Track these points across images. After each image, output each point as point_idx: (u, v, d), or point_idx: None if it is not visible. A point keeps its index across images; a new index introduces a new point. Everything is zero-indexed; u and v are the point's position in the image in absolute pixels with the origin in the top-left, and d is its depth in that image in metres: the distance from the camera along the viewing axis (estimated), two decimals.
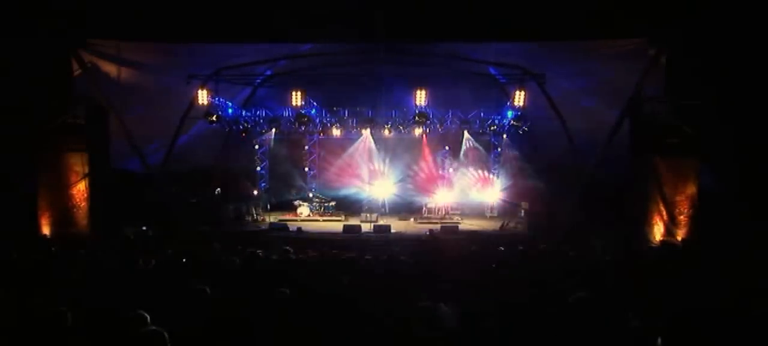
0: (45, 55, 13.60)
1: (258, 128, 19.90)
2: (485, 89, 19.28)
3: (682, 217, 13.71)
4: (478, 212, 20.12)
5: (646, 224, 13.97)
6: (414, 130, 19.19)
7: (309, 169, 22.02)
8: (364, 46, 15.78)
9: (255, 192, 21.11)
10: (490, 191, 20.48)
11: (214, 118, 17.19)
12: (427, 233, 16.09)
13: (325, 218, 19.29)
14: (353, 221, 18.14)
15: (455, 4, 13.24)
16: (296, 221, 18.53)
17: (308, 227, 17.59)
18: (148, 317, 4.81)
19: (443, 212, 19.32)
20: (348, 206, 20.27)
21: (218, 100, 17.37)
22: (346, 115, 18.88)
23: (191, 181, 19.03)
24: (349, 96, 18.96)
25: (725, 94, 13.24)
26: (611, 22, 12.96)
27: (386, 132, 19.25)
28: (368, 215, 18.74)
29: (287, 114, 18.49)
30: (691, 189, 13.75)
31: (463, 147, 21.01)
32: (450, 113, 18.37)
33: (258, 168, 21.92)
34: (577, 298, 7.42)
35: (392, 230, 16.66)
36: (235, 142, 20.76)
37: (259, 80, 19.30)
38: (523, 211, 18.80)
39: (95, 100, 14.48)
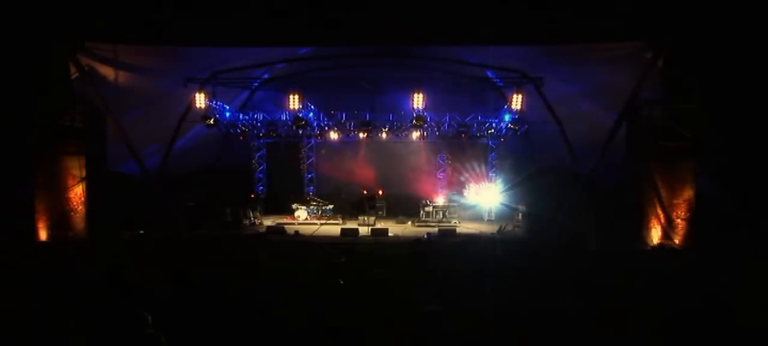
0: (43, 58, 13.56)
1: (256, 132, 19.89)
2: (483, 93, 19.33)
3: (679, 220, 13.73)
4: (476, 215, 20.13)
5: (643, 227, 13.99)
6: (411, 133, 19.19)
7: (307, 172, 22.00)
8: (362, 49, 15.80)
9: (252, 195, 21.10)
10: (488, 194, 20.53)
11: (211, 121, 17.23)
12: (425, 237, 16.11)
13: (322, 222, 19.27)
14: (351, 225, 18.11)
15: (453, 7, 13.25)
16: (294, 224, 18.50)
17: (306, 230, 17.58)
18: (150, 318, 4.84)
19: (441, 215, 19.31)
20: (345, 210, 20.28)
21: (216, 103, 17.38)
22: (344, 118, 18.87)
23: (189, 184, 18.99)
24: (347, 99, 18.96)
25: (722, 97, 13.29)
26: (609, 26, 12.99)
27: (384, 135, 19.25)
28: (366, 218, 18.73)
29: (285, 117, 18.50)
30: (689, 192, 13.77)
31: (461, 150, 21.05)
32: (448, 116, 18.38)
33: (256, 171, 21.92)
34: (574, 300, 7.45)
35: (390, 234, 16.64)
36: (232, 145, 20.78)
37: (256, 84, 19.31)
38: (520, 214, 18.81)
39: (93, 103, 14.45)
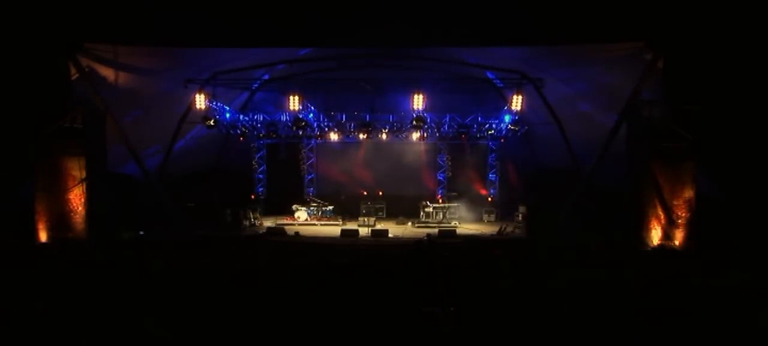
0: (43, 59, 13.58)
1: (256, 132, 19.90)
2: (483, 93, 19.32)
3: (679, 221, 13.71)
4: (476, 216, 20.12)
5: (643, 228, 13.97)
6: (412, 134, 19.19)
7: (307, 173, 22.01)
8: (362, 50, 15.81)
9: (252, 196, 21.10)
10: (488, 194, 20.48)
11: (211, 122, 17.24)
12: (425, 238, 16.08)
13: (322, 223, 19.28)
14: (351, 226, 18.11)
15: (453, 8, 13.26)
16: (294, 225, 18.50)
17: (306, 231, 17.57)
18: (153, 319, 4.84)
19: (441, 216, 19.32)
20: (346, 211, 20.29)
21: (216, 104, 17.39)
22: (344, 119, 18.87)
23: (189, 185, 18.99)
24: (347, 100, 18.97)
25: (722, 98, 13.28)
26: (608, 27, 13.00)
27: (384, 136, 19.25)
28: (366, 219, 18.73)
29: (285, 118, 18.52)
30: (689, 192, 13.74)
31: (461, 151, 21.05)
32: (448, 117, 18.38)
33: (256, 172, 21.93)
34: (574, 302, 7.43)
35: (390, 235, 16.62)
36: (232, 146, 20.78)
37: (256, 85, 19.32)
38: (520, 215, 18.80)
39: (93, 104, 14.45)
